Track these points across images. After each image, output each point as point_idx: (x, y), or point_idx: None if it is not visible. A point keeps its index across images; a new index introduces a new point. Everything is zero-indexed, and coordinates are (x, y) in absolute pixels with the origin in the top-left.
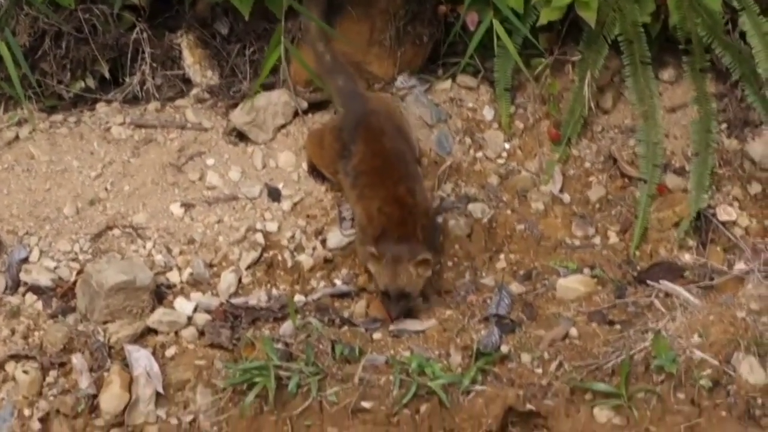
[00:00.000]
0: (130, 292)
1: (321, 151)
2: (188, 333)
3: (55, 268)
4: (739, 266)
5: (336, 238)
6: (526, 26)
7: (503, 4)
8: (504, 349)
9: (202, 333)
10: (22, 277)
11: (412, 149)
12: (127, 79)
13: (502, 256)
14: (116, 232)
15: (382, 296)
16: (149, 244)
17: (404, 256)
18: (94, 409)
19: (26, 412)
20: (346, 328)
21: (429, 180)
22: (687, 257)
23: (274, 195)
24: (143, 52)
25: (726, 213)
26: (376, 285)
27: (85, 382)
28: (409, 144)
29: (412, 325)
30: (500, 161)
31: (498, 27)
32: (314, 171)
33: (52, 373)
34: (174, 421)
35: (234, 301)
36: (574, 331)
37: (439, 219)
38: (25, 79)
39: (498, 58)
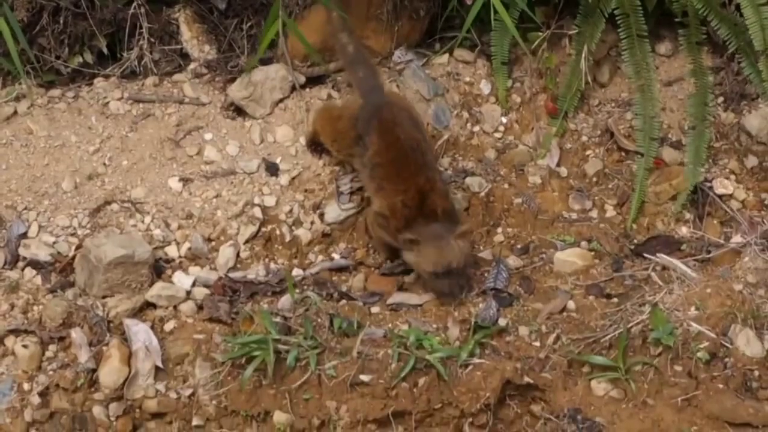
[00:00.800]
0: (128, 267)
1: (335, 132)
2: (187, 307)
3: (54, 242)
4: (736, 239)
5: (334, 212)
6: (523, 0)
7: None
8: (502, 322)
9: (200, 307)
10: (21, 251)
11: (426, 139)
12: (125, 54)
13: (499, 229)
14: (114, 206)
15: (429, 280)
16: (148, 219)
17: (444, 233)
18: (93, 383)
19: (26, 386)
20: (344, 301)
21: None
22: (684, 230)
23: (272, 169)
24: (141, 27)
25: (723, 186)
26: (420, 271)
27: (84, 357)
28: (423, 134)
29: (409, 298)
30: (497, 135)
31: (495, 1)
32: (313, 145)
33: (52, 348)
34: (173, 395)
35: (232, 275)
36: (571, 304)
37: None
38: (24, 55)
39: (495, 32)
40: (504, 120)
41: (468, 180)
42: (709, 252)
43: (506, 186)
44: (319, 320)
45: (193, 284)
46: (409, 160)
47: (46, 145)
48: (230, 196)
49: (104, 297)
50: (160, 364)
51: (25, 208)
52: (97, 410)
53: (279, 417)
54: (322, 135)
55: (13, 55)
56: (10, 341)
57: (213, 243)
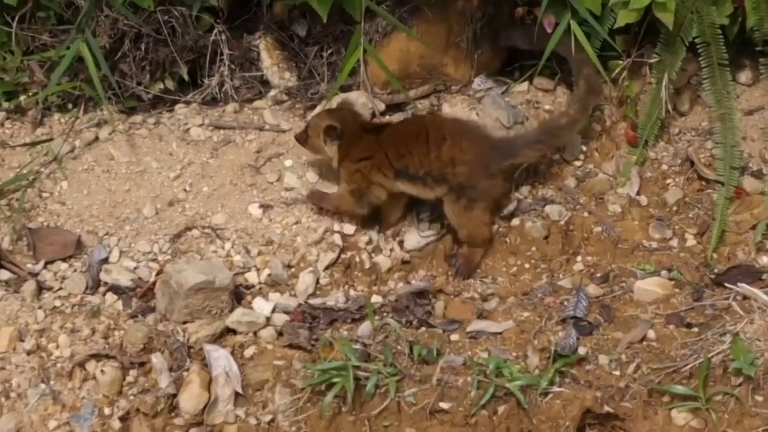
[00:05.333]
0: (209, 293)
1: None
2: (267, 333)
3: (135, 268)
4: None
5: (413, 239)
6: (603, 28)
7: (581, 6)
8: (581, 351)
9: (280, 333)
10: (103, 277)
11: None
12: (206, 81)
13: (579, 258)
14: (195, 232)
15: None
16: (228, 245)
17: None
18: (173, 408)
19: (106, 411)
20: (423, 329)
21: (506, 182)
22: (765, 260)
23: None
24: (222, 53)
25: None
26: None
27: (164, 382)
28: None
29: (489, 326)
30: (577, 163)
31: (576, 29)
32: None
33: (132, 373)
34: (253, 420)
35: (312, 301)
36: (651, 334)
37: (516, 221)
38: (105, 81)
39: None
40: (584, 148)
41: (547, 208)
42: None
43: (586, 214)
44: (398, 347)
45: (273, 310)
46: None
47: (127, 171)
48: (310, 222)
49: (185, 322)
50: (239, 390)
51: (107, 234)
52: None
53: None
54: None
55: (95, 82)
56: (91, 366)
57: (293, 269)
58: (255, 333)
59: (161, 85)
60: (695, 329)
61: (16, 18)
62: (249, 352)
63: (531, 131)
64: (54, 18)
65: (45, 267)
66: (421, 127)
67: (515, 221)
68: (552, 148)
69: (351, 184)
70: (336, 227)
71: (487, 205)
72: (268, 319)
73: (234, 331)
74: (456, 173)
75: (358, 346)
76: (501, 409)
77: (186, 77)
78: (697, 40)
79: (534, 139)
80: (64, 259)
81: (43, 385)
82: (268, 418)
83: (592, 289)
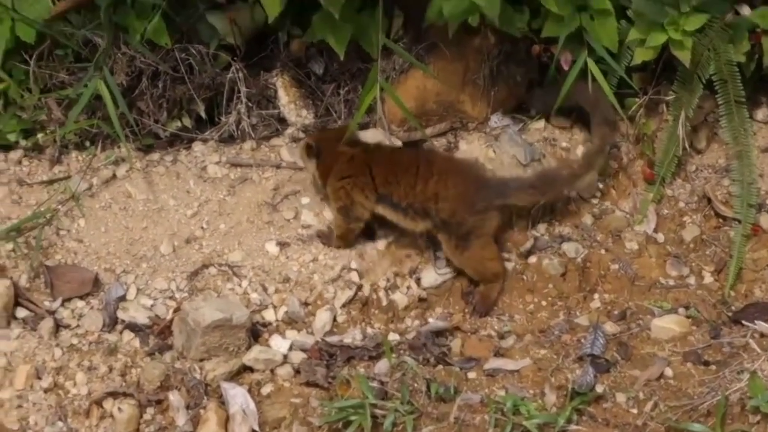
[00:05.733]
0: (226, 330)
1: None
2: (284, 371)
3: (152, 305)
4: None
5: (430, 277)
6: (620, 66)
7: (598, 44)
8: (599, 388)
9: (297, 371)
10: (120, 314)
11: None
12: (223, 119)
13: (596, 295)
14: (212, 270)
15: None
16: (245, 283)
17: None
18: None
19: None
20: (441, 366)
21: (523, 219)
22: None
23: (369, 234)
24: (239, 91)
25: None
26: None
27: (182, 420)
28: None
29: (506, 364)
30: (594, 201)
31: (593, 67)
32: None
33: (150, 411)
34: None
35: (329, 339)
36: (669, 371)
37: (533, 258)
38: (123, 118)
39: None
40: (601, 186)
41: (564, 246)
42: None
43: (603, 252)
44: (415, 385)
45: (290, 348)
46: None
47: (144, 209)
48: (327, 260)
49: (202, 360)
50: (257, 428)
51: (124, 271)
52: None
53: None
54: None
55: (113, 120)
56: (108, 404)
57: (310, 307)
58: (272, 371)
59: (178, 123)
60: (713, 367)
61: (34, 56)
62: (266, 389)
63: (529, 175)
64: (71, 56)
65: (62, 305)
66: (413, 159)
67: (532, 259)
68: (547, 196)
69: (337, 201)
70: (353, 264)
71: (485, 240)
72: (285, 356)
73: (251, 369)
74: (438, 209)
75: (375, 384)
76: None
77: (203, 115)
78: (714, 78)
79: (529, 183)
80: (81, 297)
81: (60, 423)
82: None
83: (610, 327)
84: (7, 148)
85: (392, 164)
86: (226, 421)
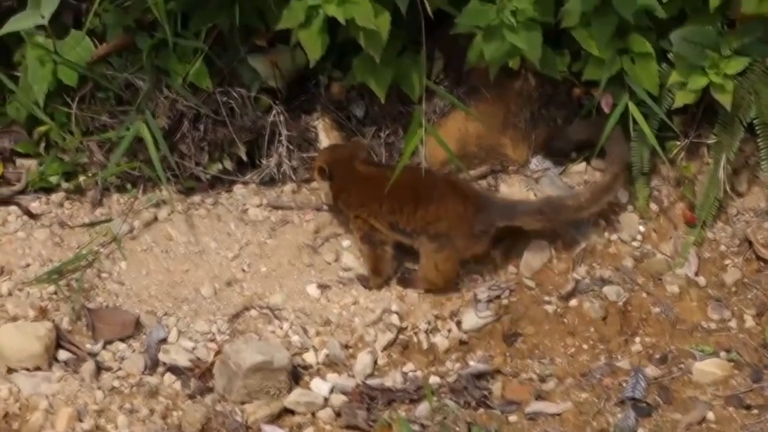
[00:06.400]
0: (267, 373)
1: None
2: (325, 414)
3: (193, 348)
4: None
5: (471, 320)
6: (661, 109)
7: (639, 87)
8: None
9: (338, 414)
10: (161, 357)
11: None
12: (264, 161)
13: (637, 339)
14: (253, 312)
15: None
16: (286, 325)
17: None
18: None
19: None
20: (481, 410)
21: (564, 263)
22: None
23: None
24: (280, 134)
25: None
26: None
27: None
28: None
29: (548, 407)
30: (635, 244)
31: (634, 110)
32: None
33: None
34: None
35: (370, 382)
36: (710, 415)
37: (574, 301)
38: (164, 161)
39: (634, 142)
40: (642, 229)
41: (605, 289)
42: None
43: (644, 295)
44: (457, 428)
45: (331, 391)
46: None
47: (185, 251)
48: (368, 303)
49: (243, 403)
50: None
51: (165, 314)
52: None
53: None
54: None
55: (155, 162)
56: None
57: (350, 350)
58: (313, 414)
59: (219, 166)
60: (755, 411)
61: (76, 99)
62: None
63: (537, 200)
64: (113, 99)
65: (104, 347)
66: (413, 183)
67: (573, 302)
68: (555, 223)
69: (358, 231)
70: (394, 307)
71: (455, 256)
72: (326, 399)
73: (292, 412)
74: (437, 227)
75: (416, 427)
76: None
77: (244, 158)
78: (755, 121)
79: (536, 209)
80: (122, 339)
81: None
82: None
83: (651, 370)
84: (49, 190)
85: (395, 191)
86: None
